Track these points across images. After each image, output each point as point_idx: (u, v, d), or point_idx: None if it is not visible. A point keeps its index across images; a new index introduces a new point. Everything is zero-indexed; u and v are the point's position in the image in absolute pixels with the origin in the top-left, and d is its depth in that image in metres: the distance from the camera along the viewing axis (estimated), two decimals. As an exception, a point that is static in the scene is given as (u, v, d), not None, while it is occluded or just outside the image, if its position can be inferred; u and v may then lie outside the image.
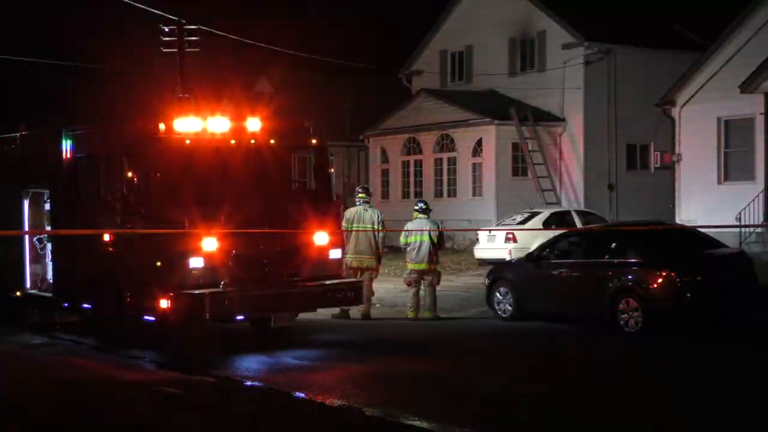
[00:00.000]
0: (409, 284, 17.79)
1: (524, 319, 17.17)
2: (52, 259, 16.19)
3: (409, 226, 17.95)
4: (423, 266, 17.59)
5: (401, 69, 38.67)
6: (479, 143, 32.26)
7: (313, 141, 14.98)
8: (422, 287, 17.78)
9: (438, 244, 17.91)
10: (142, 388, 11.17)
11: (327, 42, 43.69)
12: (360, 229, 17.18)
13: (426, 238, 17.50)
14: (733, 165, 25.75)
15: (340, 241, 15.25)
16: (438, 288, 18.23)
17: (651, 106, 28.79)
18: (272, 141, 14.46)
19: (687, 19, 34.50)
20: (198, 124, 13.76)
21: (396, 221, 33.00)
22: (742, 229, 23.31)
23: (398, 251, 29.15)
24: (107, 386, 11.54)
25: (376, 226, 17.39)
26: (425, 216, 17.92)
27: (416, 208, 18.14)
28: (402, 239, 18.02)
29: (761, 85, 23.66)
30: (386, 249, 31.62)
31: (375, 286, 18.39)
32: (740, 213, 23.93)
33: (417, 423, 9.32)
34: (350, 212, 17.53)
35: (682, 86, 26.62)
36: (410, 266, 17.71)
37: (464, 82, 36.11)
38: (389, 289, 21.48)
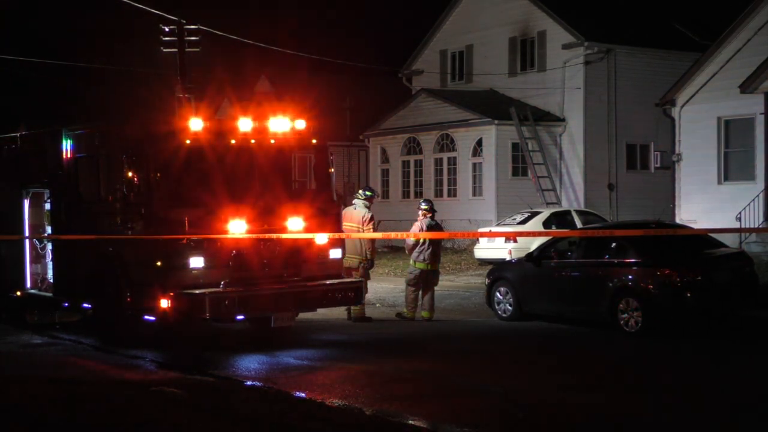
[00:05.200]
0: (414, 285, 17.65)
1: (524, 319, 17.17)
2: (52, 259, 16.20)
3: (420, 225, 17.72)
4: (431, 266, 17.55)
5: (401, 69, 38.67)
6: (479, 143, 32.26)
7: (313, 141, 14.97)
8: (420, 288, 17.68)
9: (440, 243, 17.92)
10: (142, 388, 11.16)
11: (327, 42, 43.76)
12: (348, 228, 17.00)
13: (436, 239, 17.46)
14: (733, 165, 25.75)
15: (340, 241, 15.23)
16: (437, 288, 18.21)
17: (651, 106, 28.81)
18: (272, 141, 14.46)
19: (687, 19, 34.53)
20: (198, 124, 13.76)
21: (396, 221, 33.11)
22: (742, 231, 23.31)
23: (397, 250, 29.16)
24: (107, 386, 11.53)
25: (360, 226, 17.17)
26: (432, 216, 17.84)
27: (425, 207, 17.89)
28: (412, 239, 17.73)
29: (761, 85, 23.66)
30: (385, 249, 31.76)
31: (374, 285, 18.36)
32: (740, 213, 23.93)
33: (417, 423, 9.32)
34: (344, 210, 17.44)
35: (682, 86, 26.62)
36: (421, 266, 17.49)
37: (464, 81, 36.11)
38: (389, 289, 21.48)
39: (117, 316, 14.27)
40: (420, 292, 17.70)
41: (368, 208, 17.56)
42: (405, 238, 18.48)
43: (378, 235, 17.41)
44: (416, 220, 17.93)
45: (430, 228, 17.54)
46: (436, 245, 17.61)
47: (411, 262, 17.85)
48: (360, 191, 18.00)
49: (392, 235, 16.81)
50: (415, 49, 38.11)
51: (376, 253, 18.39)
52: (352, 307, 17.06)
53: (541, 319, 16.97)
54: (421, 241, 17.50)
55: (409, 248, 17.99)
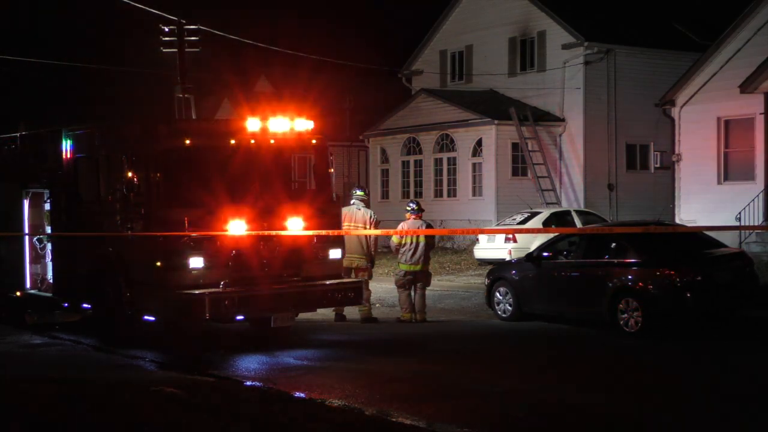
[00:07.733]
0: (402, 286, 17.61)
1: (524, 319, 17.17)
2: (52, 259, 16.19)
3: (403, 226, 17.78)
4: (418, 267, 17.48)
5: (401, 69, 38.67)
6: (479, 143, 32.26)
7: (313, 141, 14.97)
8: (412, 289, 17.61)
9: (431, 245, 17.84)
10: (142, 388, 11.16)
11: (327, 42, 43.73)
12: (351, 228, 17.01)
13: (422, 239, 17.38)
14: (733, 165, 25.74)
15: (339, 242, 15.24)
16: (437, 288, 18.16)
17: (651, 106, 28.80)
18: (272, 141, 14.46)
19: (687, 19, 34.54)
20: (198, 124, 13.76)
21: (396, 221, 33.02)
22: (742, 229, 23.32)
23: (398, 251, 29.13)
24: (107, 386, 11.53)
25: (367, 226, 17.20)
26: (418, 216, 17.81)
27: (409, 208, 17.87)
28: (395, 240, 17.63)
29: (761, 85, 23.65)
30: (385, 249, 31.74)
31: (374, 286, 18.32)
32: (740, 213, 23.93)
33: (417, 423, 9.32)
34: (343, 211, 17.40)
35: (682, 86, 26.61)
36: (404, 267, 17.44)
37: (464, 82, 36.11)
38: (389, 289, 21.45)
39: (117, 316, 14.27)
40: (412, 293, 17.62)
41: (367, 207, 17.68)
42: (392, 238, 18.41)
43: (378, 232, 17.43)
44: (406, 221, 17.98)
45: (413, 228, 17.50)
46: (421, 246, 17.47)
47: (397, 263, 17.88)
48: (355, 191, 17.95)
49: (391, 232, 16.76)
50: (415, 49, 38.11)
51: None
52: (359, 307, 17.02)
53: (541, 319, 16.96)
54: (404, 241, 17.45)
55: (394, 249, 17.99)
